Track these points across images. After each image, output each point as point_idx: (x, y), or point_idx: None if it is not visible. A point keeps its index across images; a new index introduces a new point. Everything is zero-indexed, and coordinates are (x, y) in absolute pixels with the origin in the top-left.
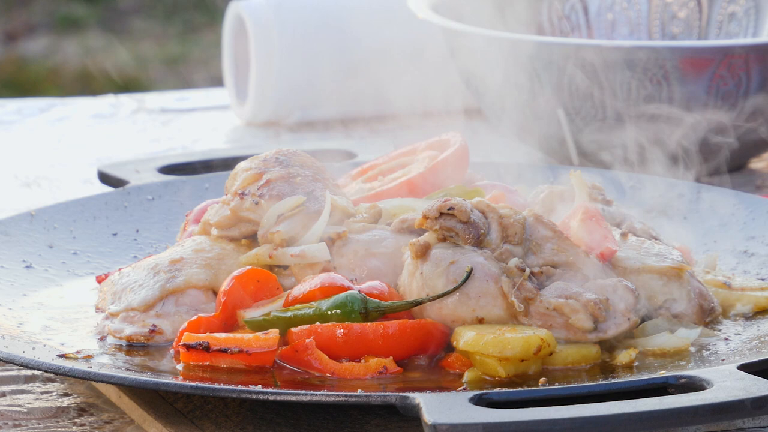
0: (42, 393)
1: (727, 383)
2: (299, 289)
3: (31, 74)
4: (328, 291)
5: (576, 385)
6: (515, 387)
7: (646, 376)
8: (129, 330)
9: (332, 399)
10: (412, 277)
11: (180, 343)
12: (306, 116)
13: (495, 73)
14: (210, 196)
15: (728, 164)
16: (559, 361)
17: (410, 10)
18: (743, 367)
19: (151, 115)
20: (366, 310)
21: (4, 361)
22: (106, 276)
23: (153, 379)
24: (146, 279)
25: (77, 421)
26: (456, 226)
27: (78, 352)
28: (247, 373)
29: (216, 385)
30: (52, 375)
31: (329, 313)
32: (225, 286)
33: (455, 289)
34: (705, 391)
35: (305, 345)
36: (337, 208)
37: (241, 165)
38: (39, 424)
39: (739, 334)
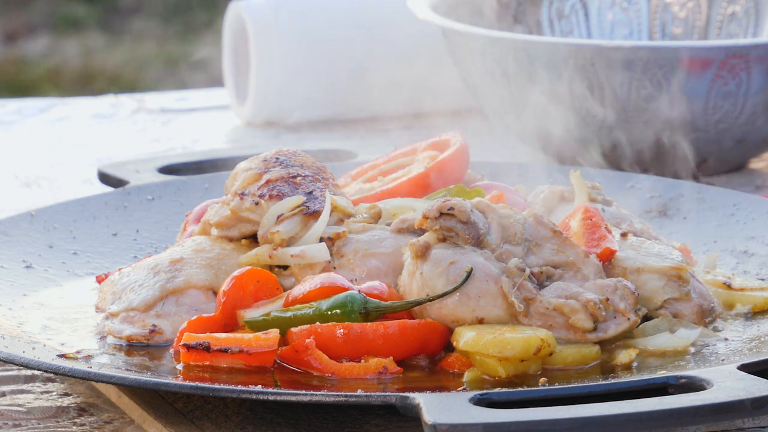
0: (42, 393)
1: (727, 383)
2: (299, 289)
3: (31, 74)
4: (328, 291)
5: (576, 385)
6: (515, 387)
7: (646, 376)
8: (129, 330)
9: (332, 399)
10: (412, 278)
11: (180, 343)
12: (306, 116)
13: (495, 73)
14: (210, 196)
15: (728, 164)
16: (559, 361)
17: (410, 10)
18: (743, 368)
19: (151, 115)
20: (366, 310)
21: (4, 361)
22: (106, 276)
23: (153, 379)
24: (146, 279)
25: (77, 421)
26: (456, 226)
27: (78, 352)
28: (247, 373)
29: (216, 385)
30: (52, 375)
31: (329, 313)
32: (225, 286)
33: (455, 289)
34: (705, 391)
35: (305, 345)
36: (337, 208)
37: (241, 165)
38: (39, 423)
39: (739, 335)
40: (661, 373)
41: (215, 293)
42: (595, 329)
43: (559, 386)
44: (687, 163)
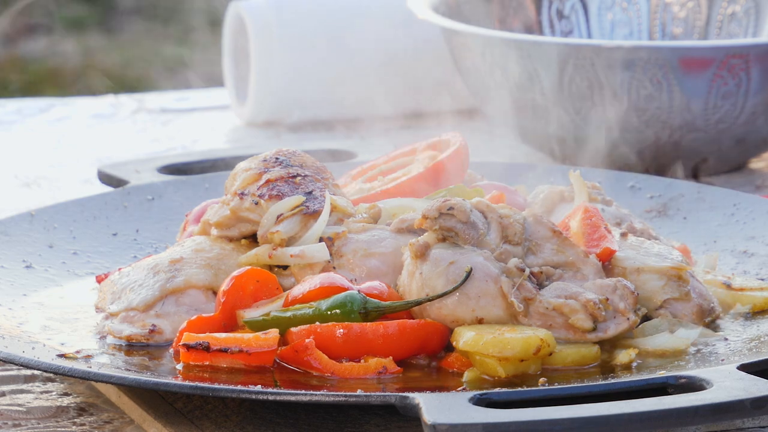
0: (42, 393)
1: (726, 383)
2: (299, 289)
3: (31, 74)
4: (327, 291)
5: (576, 385)
6: (515, 387)
7: (645, 376)
8: (129, 330)
9: (332, 399)
10: (411, 277)
11: (180, 343)
12: (306, 116)
13: (495, 72)
14: (210, 196)
15: (728, 164)
16: (558, 361)
17: (410, 10)
18: (743, 367)
19: (151, 115)
20: (365, 310)
21: (4, 361)
22: (106, 276)
23: (153, 379)
24: (146, 279)
25: (77, 420)
26: (456, 226)
27: (78, 351)
28: (246, 373)
29: (216, 385)
30: (51, 375)
31: (329, 313)
32: (225, 286)
33: (455, 289)
34: (705, 391)
35: (305, 345)
36: (336, 208)
37: (241, 165)
38: (39, 423)
39: (739, 334)
40: (661, 373)
41: (215, 293)
42: (594, 329)
43: (559, 386)
44: (687, 163)
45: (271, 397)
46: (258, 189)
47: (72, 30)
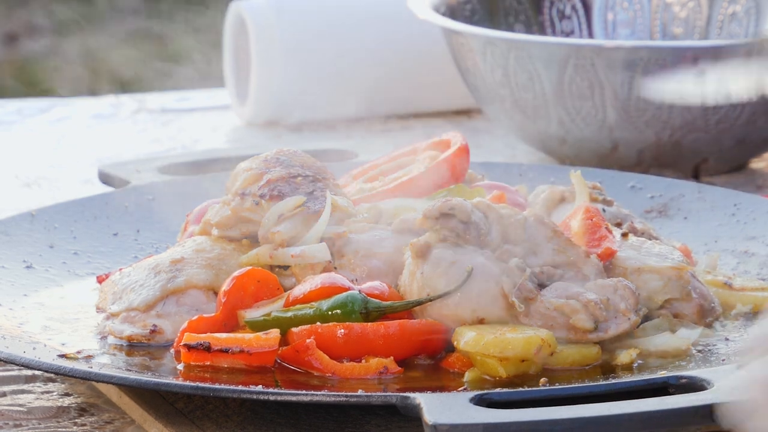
0: (42, 393)
1: (727, 383)
2: (300, 290)
3: (31, 74)
4: (328, 291)
5: (577, 385)
6: (516, 387)
7: (646, 376)
8: (130, 330)
9: (333, 399)
10: (412, 277)
11: (181, 343)
12: (307, 116)
13: (495, 72)
14: (211, 197)
15: (729, 164)
16: (559, 361)
17: (410, 10)
18: None
19: (152, 115)
20: (366, 311)
21: (5, 361)
22: (107, 276)
23: (154, 380)
24: (147, 279)
25: (78, 421)
26: (457, 226)
27: (79, 352)
28: (247, 373)
29: (217, 386)
30: (52, 375)
31: (330, 313)
32: (226, 286)
33: (456, 289)
34: (705, 391)
35: (306, 345)
36: (337, 208)
37: (242, 165)
38: (39, 424)
39: (740, 334)
40: (662, 373)
41: (216, 293)
42: (595, 329)
43: (560, 386)
44: (687, 163)
45: (272, 397)
46: (259, 189)
47: (72, 30)
